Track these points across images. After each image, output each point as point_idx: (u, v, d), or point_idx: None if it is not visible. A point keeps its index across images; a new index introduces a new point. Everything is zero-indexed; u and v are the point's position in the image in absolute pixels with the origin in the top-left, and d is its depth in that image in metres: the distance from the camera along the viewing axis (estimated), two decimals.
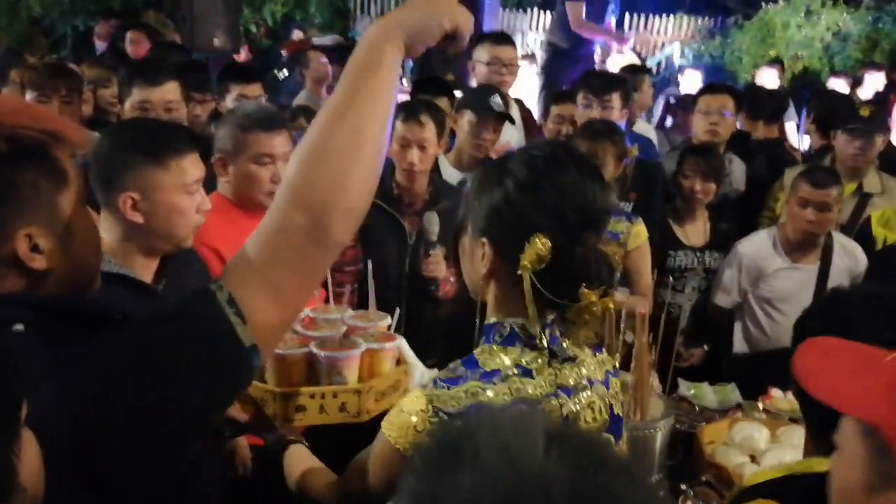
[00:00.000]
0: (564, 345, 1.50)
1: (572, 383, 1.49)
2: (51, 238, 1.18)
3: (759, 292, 3.51)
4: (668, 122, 6.34)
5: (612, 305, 1.42)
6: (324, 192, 1.15)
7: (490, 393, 1.39)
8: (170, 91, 3.20)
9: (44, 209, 1.18)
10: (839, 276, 3.41)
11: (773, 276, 3.47)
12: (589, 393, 1.52)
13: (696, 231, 3.75)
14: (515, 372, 1.43)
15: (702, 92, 4.50)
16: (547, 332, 1.47)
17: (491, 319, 1.50)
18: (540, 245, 1.38)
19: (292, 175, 1.18)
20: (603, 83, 3.88)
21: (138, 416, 1.07)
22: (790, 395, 2.72)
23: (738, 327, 3.62)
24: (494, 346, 1.46)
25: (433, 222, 2.90)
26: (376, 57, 1.21)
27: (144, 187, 1.96)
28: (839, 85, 7.14)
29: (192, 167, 2.01)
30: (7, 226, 1.15)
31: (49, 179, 1.18)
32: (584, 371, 1.53)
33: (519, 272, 1.40)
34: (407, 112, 2.99)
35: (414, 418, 1.37)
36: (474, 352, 1.48)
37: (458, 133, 3.49)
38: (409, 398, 1.43)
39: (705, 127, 4.16)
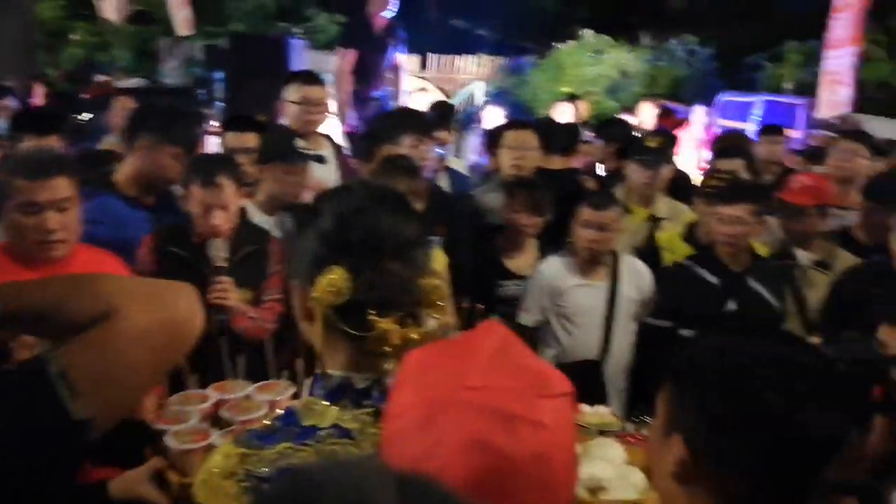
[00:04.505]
0: None
1: None
2: None
3: (558, 309, 3.69)
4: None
5: (415, 336, 1.30)
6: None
7: (302, 454, 1.26)
8: None
9: None
10: (628, 291, 3.68)
11: (568, 293, 3.67)
12: None
13: (525, 262, 3.88)
14: (332, 433, 1.29)
15: (507, 127, 4.64)
16: (377, 387, 1.32)
17: (322, 370, 1.38)
18: (334, 276, 1.26)
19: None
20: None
21: None
22: (598, 408, 2.87)
23: (542, 346, 3.73)
24: (319, 400, 1.34)
25: (218, 248, 2.85)
26: None
27: None
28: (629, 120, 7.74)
29: None
30: None
31: None
32: None
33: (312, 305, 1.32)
34: (203, 177, 2.90)
35: (226, 482, 1.26)
36: (296, 404, 1.39)
37: (265, 182, 3.45)
38: (222, 456, 1.30)
39: (510, 161, 4.25)
